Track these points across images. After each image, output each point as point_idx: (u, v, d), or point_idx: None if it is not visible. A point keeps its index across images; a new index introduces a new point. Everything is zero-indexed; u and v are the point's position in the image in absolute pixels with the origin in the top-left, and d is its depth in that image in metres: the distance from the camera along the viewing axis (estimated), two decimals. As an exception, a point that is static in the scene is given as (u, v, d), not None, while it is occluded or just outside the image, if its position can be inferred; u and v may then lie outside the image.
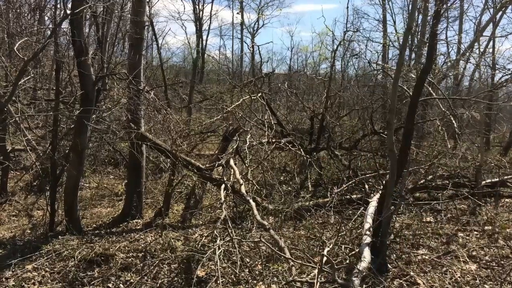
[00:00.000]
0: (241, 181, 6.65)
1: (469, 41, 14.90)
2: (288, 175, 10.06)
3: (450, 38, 15.30)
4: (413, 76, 8.94)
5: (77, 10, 5.97)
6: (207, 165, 7.89)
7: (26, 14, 13.28)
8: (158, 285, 5.03)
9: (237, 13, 32.70)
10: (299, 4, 60.86)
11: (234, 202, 7.59)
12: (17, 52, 6.78)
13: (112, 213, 8.17)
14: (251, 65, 25.21)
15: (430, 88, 8.65)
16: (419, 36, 14.69)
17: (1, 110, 6.88)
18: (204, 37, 27.58)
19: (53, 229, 6.77)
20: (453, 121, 8.50)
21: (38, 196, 8.88)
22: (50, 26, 11.29)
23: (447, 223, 7.23)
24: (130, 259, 5.64)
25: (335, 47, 12.15)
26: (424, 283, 4.93)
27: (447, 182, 8.11)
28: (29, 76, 8.63)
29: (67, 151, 7.34)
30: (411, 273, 5.19)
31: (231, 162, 7.38)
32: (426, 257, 5.71)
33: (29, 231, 7.10)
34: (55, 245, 5.94)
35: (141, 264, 5.46)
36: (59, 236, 6.35)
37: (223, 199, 6.16)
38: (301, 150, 8.99)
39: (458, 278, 5.09)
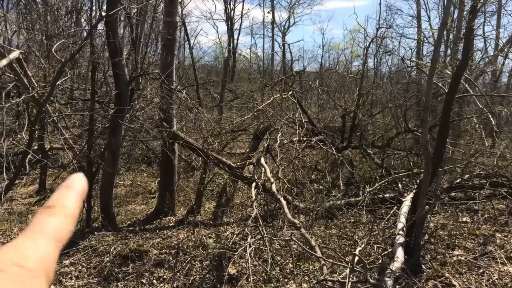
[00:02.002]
0: (272, 180, 6.64)
1: (507, 36, 14.38)
2: (319, 173, 9.99)
3: (487, 33, 14.76)
4: (449, 72, 8.69)
5: (112, 12, 6.12)
6: (238, 163, 7.93)
7: (63, 17, 13.69)
8: (190, 281, 5.10)
9: (268, 12, 32.70)
10: (331, 2, 60.29)
11: (265, 200, 7.60)
12: (55, 54, 7.01)
13: (146, 210, 8.33)
14: (282, 63, 25.14)
15: (466, 85, 8.40)
16: (454, 32, 14.29)
17: (40, 110, 7.11)
18: (235, 36, 27.76)
19: (90, 225, 6.96)
20: (491, 119, 8.22)
21: (75, 193, 9.13)
22: (86, 28, 11.59)
23: (484, 223, 7.01)
24: (163, 256, 5.75)
25: (367, 44, 12.00)
26: (460, 285, 4.80)
27: (485, 181, 7.86)
28: (66, 77, 8.89)
29: (102, 150, 7.53)
30: (446, 275, 5.06)
31: (262, 160, 7.39)
32: (462, 258, 5.56)
33: (66, 227, 7.31)
34: (91, 240, 6.11)
35: (174, 261, 5.54)
36: (95, 232, 6.52)
37: (254, 197, 6.18)
38: (333, 148, 8.91)
39: (496, 280, 4.94)
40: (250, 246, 4.85)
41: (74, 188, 0.49)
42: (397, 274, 4.53)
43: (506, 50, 11.50)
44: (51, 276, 0.43)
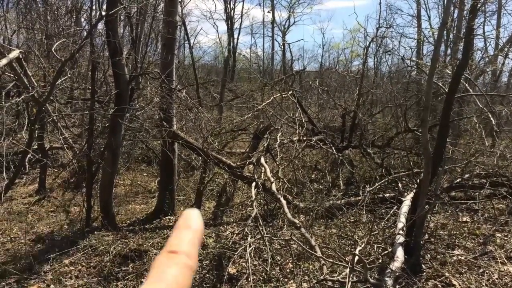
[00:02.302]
0: (272, 179, 6.64)
1: (507, 36, 14.37)
2: (319, 173, 9.99)
3: (487, 32, 14.72)
4: (449, 72, 8.69)
5: (112, 11, 6.11)
6: (238, 163, 7.93)
7: (63, 16, 13.65)
8: (190, 281, 5.09)
9: (268, 11, 32.68)
10: (331, 1, 60.26)
11: (265, 200, 7.60)
12: (55, 53, 6.99)
13: (146, 210, 8.33)
14: (282, 63, 25.14)
15: (466, 84, 8.40)
16: (454, 31, 14.28)
17: (39, 109, 7.11)
18: (235, 36, 27.72)
19: (89, 225, 6.96)
20: (491, 118, 8.22)
21: (75, 193, 9.14)
22: (86, 27, 11.59)
23: (484, 223, 7.01)
24: (163, 255, 5.73)
25: (367, 43, 11.99)
26: (460, 285, 4.80)
27: (485, 181, 7.86)
28: (66, 76, 8.88)
29: (102, 149, 7.53)
30: (446, 274, 5.06)
31: (262, 160, 7.39)
32: (462, 258, 5.56)
33: (66, 227, 7.32)
34: (91, 240, 6.11)
35: (174, 260, 5.53)
36: (95, 232, 6.52)
37: (254, 197, 6.18)
38: (333, 148, 8.90)
39: (496, 280, 4.94)
40: (250, 246, 4.85)
41: (193, 230, 0.47)
42: (397, 274, 4.53)
43: (506, 49, 11.48)
44: None
